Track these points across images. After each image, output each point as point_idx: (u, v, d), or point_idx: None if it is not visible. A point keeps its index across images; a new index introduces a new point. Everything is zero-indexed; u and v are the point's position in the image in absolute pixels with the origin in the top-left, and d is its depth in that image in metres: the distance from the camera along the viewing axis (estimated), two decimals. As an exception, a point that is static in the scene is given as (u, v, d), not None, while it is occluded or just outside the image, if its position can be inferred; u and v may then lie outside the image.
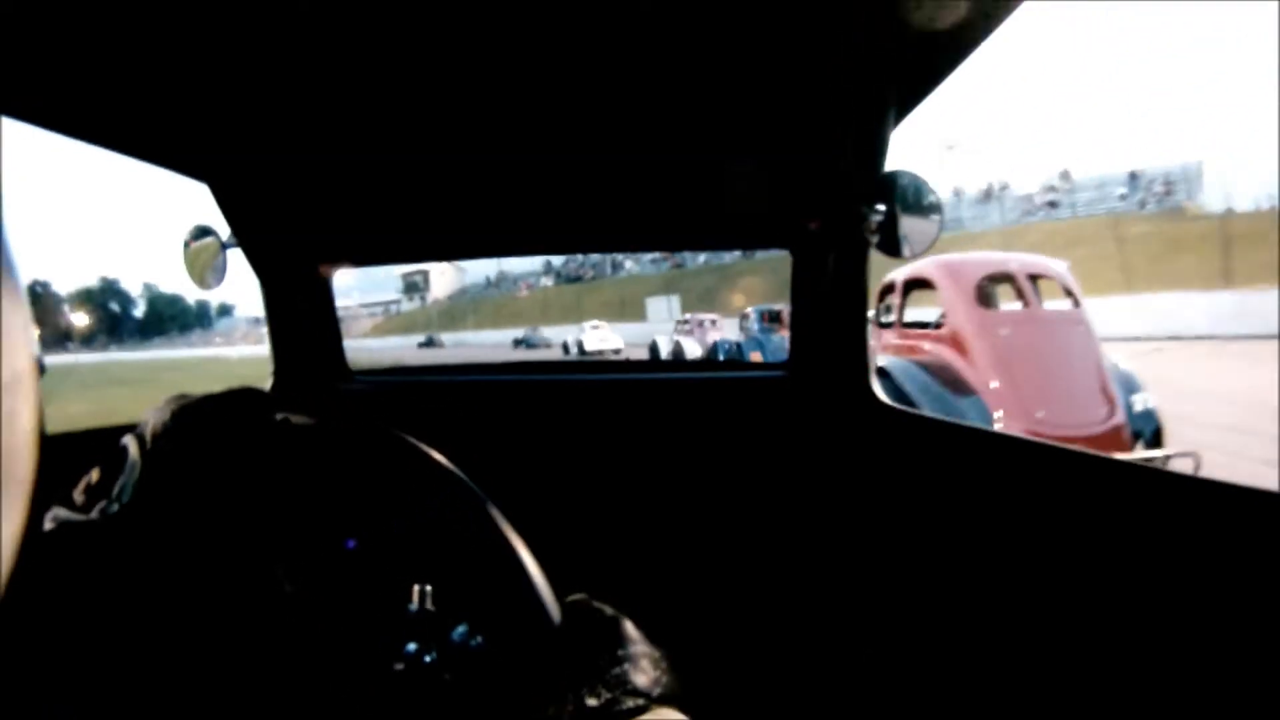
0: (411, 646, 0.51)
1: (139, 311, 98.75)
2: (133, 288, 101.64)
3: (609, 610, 0.56)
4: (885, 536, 1.15)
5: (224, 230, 1.25)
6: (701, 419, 1.37)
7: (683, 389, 1.41)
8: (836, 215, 1.14)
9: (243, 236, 1.27)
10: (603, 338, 23.84)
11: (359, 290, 71.27)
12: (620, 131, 1.02)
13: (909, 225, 1.02)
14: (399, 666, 0.50)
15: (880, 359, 4.73)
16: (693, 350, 14.75)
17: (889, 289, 5.55)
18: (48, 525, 0.46)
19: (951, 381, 4.18)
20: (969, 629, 0.95)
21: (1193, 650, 0.61)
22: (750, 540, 1.30)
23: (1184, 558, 0.63)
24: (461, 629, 0.54)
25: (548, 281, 51.13)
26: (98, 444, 0.51)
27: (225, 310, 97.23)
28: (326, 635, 0.49)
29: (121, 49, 0.73)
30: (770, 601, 1.27)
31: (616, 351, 22.38)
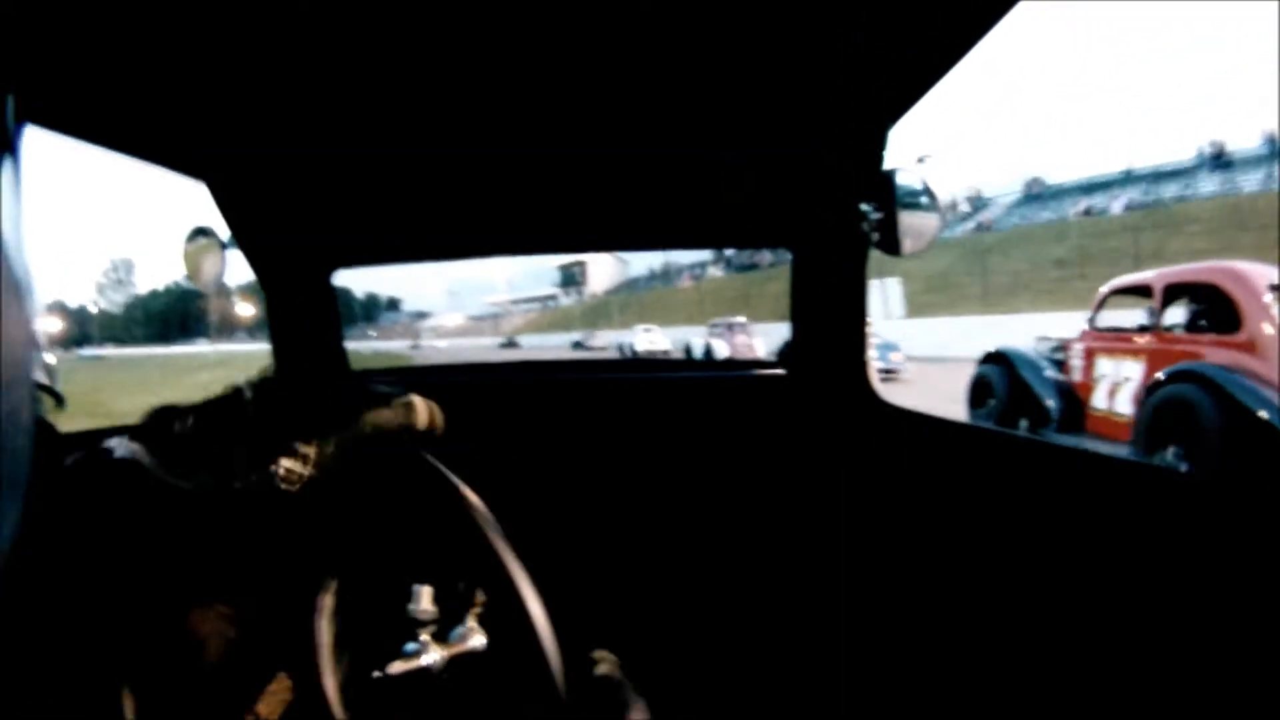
0: (411, 646, 0.53)
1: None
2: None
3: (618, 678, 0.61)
4: (885, 535, 1.14)
5: (223, 231, 1.22)
6: (701, 418, 1.36)
7: (682, 388, 1.42)
8: (836, 213, 1.14)
9: (242, 236, 1.24)
10: (652, 340, 26.09)
11: (510, 285, 68.15)
12: (621, 130, 1.03)
13: (907, 223, 1.05)
14: (399, 666, 0.52)
15: (1187, 363, 4.80)
16: (721, 352, 16.23)
17: (1130, 291, 5.57)
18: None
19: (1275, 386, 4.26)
20: (969, 628, 0.94)
21: (1194, 651, 0.61)
22: (750, 539, 1.29)
23: (1186, 558, 0.63)
24: (460, 629, 0.56)
25: (716, 271, 45.28)
26: (97, 444, 0.53)
27: (393, 304, 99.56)
28: (328, 634, 0.50)
29: (115, 45, 0.71)
30: (770, 600, 1.25)
31: (665, 353, 23.76)
